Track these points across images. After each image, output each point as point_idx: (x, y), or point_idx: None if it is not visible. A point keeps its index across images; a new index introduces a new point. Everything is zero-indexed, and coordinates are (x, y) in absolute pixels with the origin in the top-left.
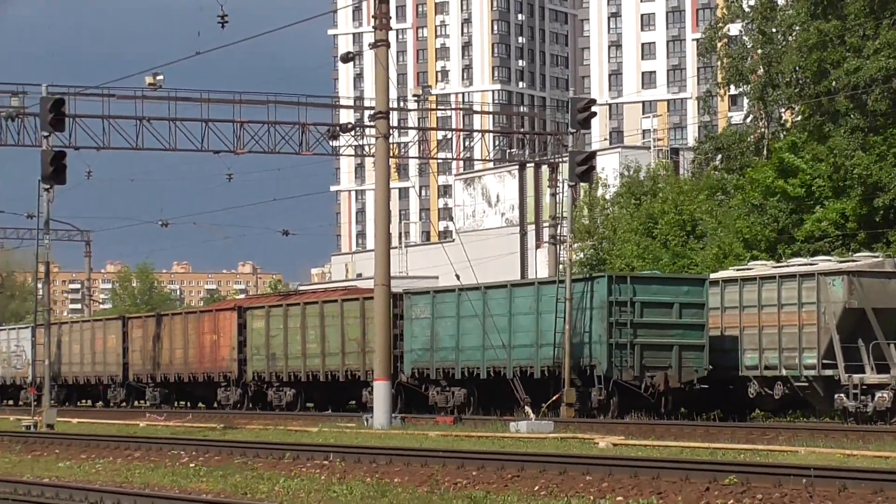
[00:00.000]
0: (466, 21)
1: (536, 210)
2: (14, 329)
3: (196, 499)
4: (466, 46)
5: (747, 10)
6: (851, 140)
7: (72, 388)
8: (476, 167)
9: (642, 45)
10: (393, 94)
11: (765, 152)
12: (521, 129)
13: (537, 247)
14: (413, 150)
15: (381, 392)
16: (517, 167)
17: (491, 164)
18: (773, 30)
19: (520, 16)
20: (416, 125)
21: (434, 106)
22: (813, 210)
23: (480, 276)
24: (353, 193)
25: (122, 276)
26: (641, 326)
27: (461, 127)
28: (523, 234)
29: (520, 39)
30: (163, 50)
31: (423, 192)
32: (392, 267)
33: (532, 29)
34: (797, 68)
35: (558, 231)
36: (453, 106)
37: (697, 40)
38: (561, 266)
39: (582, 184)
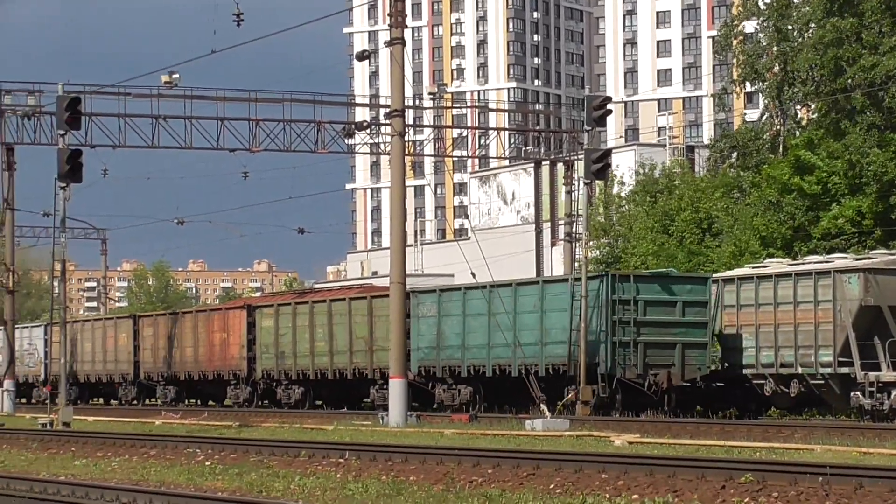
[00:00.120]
0: (482, 19)
1: (552, 208)
2: (27, 328)
3: (212, 497)
4: (482, 44)
5: (763, 7)
6: (867, 137)
7: (83, 386)
8: (491, 165)
9: (658, 42)
10: (408, 92)
11: (780, 150)
12: (537, 127)
13: (553, 244)
14: (428, 148)
15: (396, 390)
16: (532, 165)
17: (506, 162)
18: (789, 27)
19: (535, 13)
20: (432, 123)
21: (450, 104)
22: (829, 207)
23: (496, 273)
24: (368, 191)
25: (138, 275)
26: (644, 324)
27: (477, 125)
28: (539, 232)
29: (535, 37)
30: (178, 48)
31: (439, 190)
32: (407, 265)
33: (547, 27)
34: (813, 66)
35: (574, 229)
36: (469, 104)
37: (713, 38)
38: (577, 264)
39: (597, 181)
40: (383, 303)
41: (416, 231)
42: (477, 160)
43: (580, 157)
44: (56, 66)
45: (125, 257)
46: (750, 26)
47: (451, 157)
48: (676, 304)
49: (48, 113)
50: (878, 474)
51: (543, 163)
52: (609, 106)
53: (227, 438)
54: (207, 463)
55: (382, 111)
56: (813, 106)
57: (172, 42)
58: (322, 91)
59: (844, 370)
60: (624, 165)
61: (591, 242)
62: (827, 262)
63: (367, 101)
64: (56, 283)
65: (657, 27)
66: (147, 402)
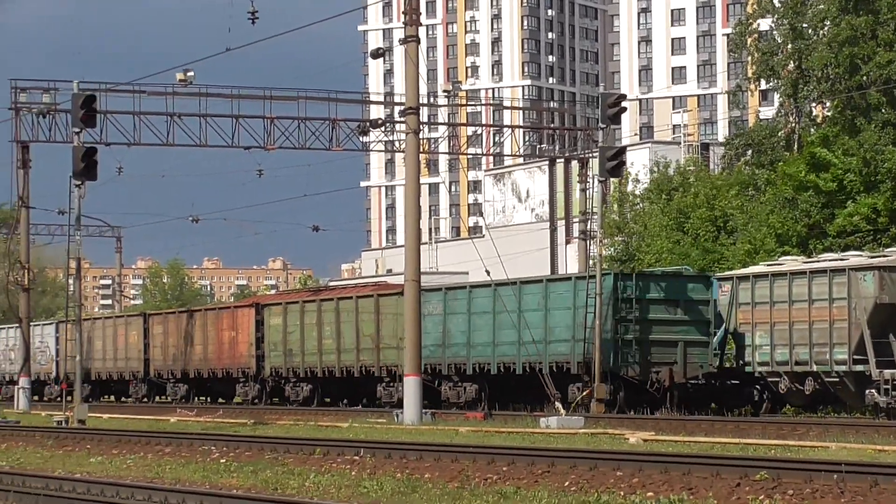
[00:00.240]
0: (496, 17)
1: (566, 205)
2: (39, 325)
3: (227, 494)
4: (496, 42)
5: (778, 5)
6: (883, 135)
7: (95, 383)
8: (506, 163)
9: (672, 40)
10: (423, 89)
11: (795, 147)
12: (551, 125)
13: (567, 242)
14: (443, 146)
15: (411, 388)
16: (547, 163)
17: (521, 160)
18: (804, 25)
19: (549, 11)
20: (446, 121)
21: (464, 102)
22: (844, 205)
23: (510, 271)
24: (383, 189)
25: (153, 272)
26: (647, 323)
27: (491, 123)
28: (553, 230)
29: (549, 35)
30: (193, 46)
31: (453, 188)
32: (422, 263)
33: (562, 24)
34: (828, 63)
35: (588, 226)
36: (483, 102)
37: (728, 35)
38: (591, 262)
39: (612, 179)
40: (390, 301)
41: (430, 229)
42: (491, 158)
43: (595, 154)
44: (71, 64)
45: (140, 255)
46: (765, 24)
47: (466, 154)
48: (679, 303)
49: (63, 111)
50: (893, 472)
51: (558, 160)
52: (623, 103)
53: (243, 436)
54: (222, 460)
55: (397, 109)
56: (828, 103)
57: (187, 40)
58: (337, 89)
59: (859, 368)
60: (639, 163)
61: (605, 240)
62: (842, 259)
63: (381, 98)
64: (71, 281)
65: (672, 25)
66: (157, 399)
